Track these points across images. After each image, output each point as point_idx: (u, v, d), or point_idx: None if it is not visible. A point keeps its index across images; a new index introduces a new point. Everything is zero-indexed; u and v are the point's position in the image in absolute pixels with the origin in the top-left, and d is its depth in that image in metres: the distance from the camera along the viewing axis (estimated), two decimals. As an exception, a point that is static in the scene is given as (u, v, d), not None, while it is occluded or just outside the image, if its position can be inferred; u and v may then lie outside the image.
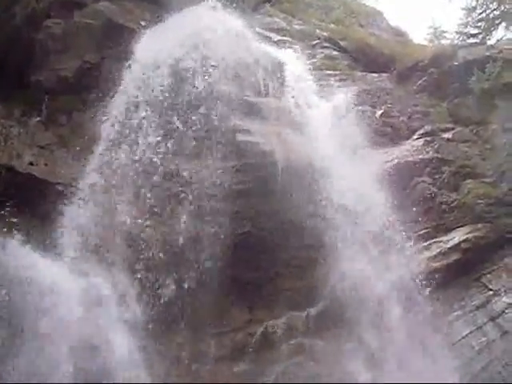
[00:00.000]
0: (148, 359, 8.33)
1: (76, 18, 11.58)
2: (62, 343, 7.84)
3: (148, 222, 9.59)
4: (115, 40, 11.32)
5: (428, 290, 10.04)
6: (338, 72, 13.69)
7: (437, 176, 11.47)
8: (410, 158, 11.65)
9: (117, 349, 8.08)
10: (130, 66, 10.73)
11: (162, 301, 9.14)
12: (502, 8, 15.54)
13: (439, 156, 11.77)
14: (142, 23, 11.67)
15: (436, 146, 11.90)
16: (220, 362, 9.37)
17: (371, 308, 9.51)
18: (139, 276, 9.12)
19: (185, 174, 10.04)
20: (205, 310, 9.38)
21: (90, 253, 9.14)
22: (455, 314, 10.06)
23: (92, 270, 8.76)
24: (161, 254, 9.37)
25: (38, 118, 10.68)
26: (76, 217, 9.38)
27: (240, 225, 9.99)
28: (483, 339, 9.68)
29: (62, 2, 11.67)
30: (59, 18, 11.52)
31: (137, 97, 10.46)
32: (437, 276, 10.16)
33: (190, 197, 9.87)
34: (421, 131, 12.32)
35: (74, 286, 8.41)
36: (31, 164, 10.00)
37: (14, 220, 9.15)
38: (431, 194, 11.26)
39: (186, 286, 9.32)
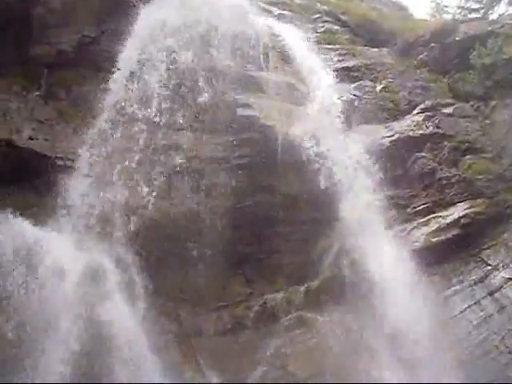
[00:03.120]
0: (148, 332, 8.38)
1: (74, -9, 11.49)
2: (65, 317, 7.88)
3: (148, 196, 9.61)
4: (114, 14, 11.23)
5: (427, 264, 10.06)
6: (338, 46, 13.59)
7: (437, 151, 11.45)
8: (411, 133, 11.62)
9: (118, 321, 8.13)
10: (129, 40, 10.67)
11: (161, 275, 9.19)
12: (505, -18, 15.44)
13: (439, 131, 11.74)
14: (142, -3, 11.57)
15: (436, 121, 11.86)
16: (219, 335, 9.44)
17: (370, 283, 9.54)
18: (140, 250, 9.14)
19: (185, 147, 10.05)
20: (205, 283, 9.44)
21: (91, 227, 9.15)
22: (453, 288, 10.10)
23: (93, 245, 8.78)
24: (160, 228, 9.39)
25: (37, 93, 10.63)
26: (76, 191, 9.39)
27: (240, 199, 10.02)
28: (481, 314, 9.72)
29: (60, -23, 11.58)
30: (57, -8, 11.43)
31: (137, 71, 10.43)
32: (436, 251, 10.17)
33: (190, 171, 9.88)
34: (421, 106, 12.27)
35: (76, 261, 8.43)
36: (31, 138, 9.96)
37: (14, 194, 9.17)
38: (431, 169, 11.25)
39: (186, 259, 9.37)
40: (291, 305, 9.62)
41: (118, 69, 10.37)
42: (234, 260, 9.75)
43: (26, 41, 10.85)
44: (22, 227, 8.42)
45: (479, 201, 10.87)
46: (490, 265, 10.23)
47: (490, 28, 13.60)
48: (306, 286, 9.82)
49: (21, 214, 8.54)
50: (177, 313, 9.35)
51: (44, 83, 10.71)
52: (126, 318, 8.31)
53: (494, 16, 16.15)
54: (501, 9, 16.78)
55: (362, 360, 8.96)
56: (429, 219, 10.69)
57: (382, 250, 9.84)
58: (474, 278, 10.17)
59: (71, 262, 8.39)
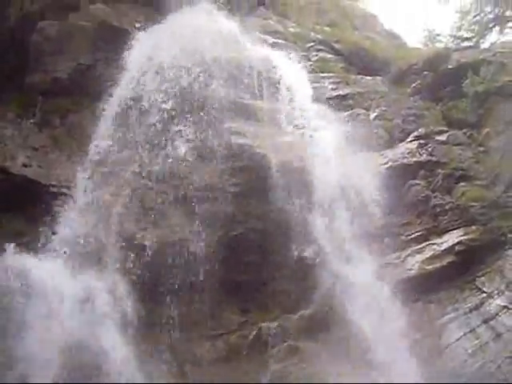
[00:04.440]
0: (142, 361, 8.31)
1: (70, 19, 11.61)
2: (56, 345, 7.82)
3: (142, 224, 9.59)
4: (109, 42, 11.35)
5: (422, 292, 10.04)
6: (332, 74, 13.68)
7: (431, 179, 11.48)
8: (404, 161, 11.66)
9: (110, 351, 8.07)
10: (124, 68, 10.74)
11: (156, 303, 9.14)
12: (496, 11, 15.63)
13: (433, 159, 11.78)
14: (137, 25, 11.68)
15: (430, 149, 11.91)
16: (214, 364, 9.35)
17: (364, 310, 9.50)
18: (134, 278, 9.10)
19: (179, 175, 10.06)
20: (199, 312, 9.38)
21: (85, 255, 9.11)
22: (449, 316, 10.04)
23: (87, 273, 8.73)
24: (154, 256, 9.36)
25: (32, 120, 10.67)
26: (70, 218, 9.37)
27: (233, 227, 10.00)
28: (476, 342, 9.66)
29: (56, 4, 11.68)
30: (53, 20, 11.52)
31: (131, 99, 10.48)
32: (430, 278, 10.15)
33: (185, 199, 9.89)
34: (415, 134, 12.33)
35: (70, 289, 8.38)
36: (25, 166, 10.00)
37: (7, 222, 9.15)
38: (425, 196, 11.26)
39: (180, 288, 9.32)
40: (285, 333, 9.54)
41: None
42: (227, 288, 9.68)
43: (22, 68, 10.93)
44: (16, 256, 8.38)
45: (473, 228, 10.86)
46: (485, 292, 10.19)
47: (482, 56, 13.74)
48: (299, 314, 9.75)
49: (14, 243, 8.52)
50: (170, 341, 9.26)
51: (39, 111, 10.78)
52: (118, 346, 8.24)
53: (485, 44, 16.33)
54: (492, 37, 16.98)
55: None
56: (423, 246, 10.67)
57: (375, 278, 9.82)
58: (469, 305, 10.12)
59: (64, 291, 8.34)
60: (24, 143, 10.32)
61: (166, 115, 10.43)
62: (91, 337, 8.08)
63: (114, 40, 11.26)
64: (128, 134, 10.25)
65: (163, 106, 10.49)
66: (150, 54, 10.99)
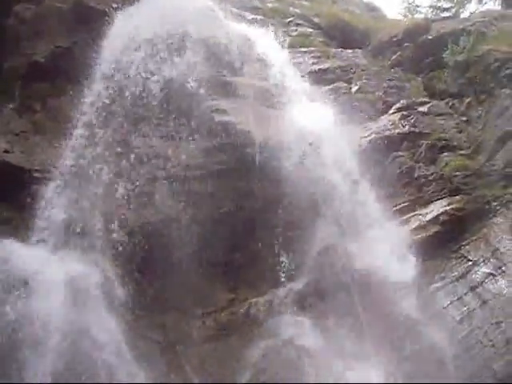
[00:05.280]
0: (133, 341, 8.34)
1: (46, 2, 11.43)
2: (48, 330, 7.82)
3: (128, 205, 9.57)
4: (87, 23, 11.19)
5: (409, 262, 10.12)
6: (312, 49, 13.66)
7: (414, 150, 11.53)
8: (387, 133, 11.68)
9: (101, 333, 8.09)
10: (103, 50, 10.63)
11: (143, 284, 9.16)
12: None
13: (416, 130, 11.82)
14: (114, 5, 11.53)
15: (412, 120, 11.95)
16: (205, 342, 9.40)
17: (353, 284, 9.56)
18: (121, 260, 9.10)
19: (162, 155, 10.03)
20: (187, 291, 9.39)
21: (71, 239, 9.09)
22: (436, 285, 10.14)
23: (75, 256, 8.72)
24: (141, 237, 9.36)
25: (12, 105, 10.56)
26: (55, 203, 9.32)
27: (219, 205, 10.00)
28: (464, 309, 9.77)
29: (31, -13, 11.51)
30: (29, 3, 11.36)
31: (111, 80, 10.39)
32: (417, 249, 10.23)
33: (169, 178, 9.87)
34: (397, 106, 12.35)
35: (58, 273, 8.36)
36: (6, 152, 9.89)
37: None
38: (409, 167, 11.32)
39: (168, 267, 9.33)
40: (275, 308, 9.61)
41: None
42: (216, 267, 9.73)
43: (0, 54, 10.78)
44: (2, 242, 8.34)
45: (458, 197, 10.95)
46: (470, 260, 10.28)
47: (461, 26, 13.77)
48: (288, 289, 9.81)
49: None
50: (161, 322, 9.30)
51: (18, 95, 10.65)
52: (109, 328, 8.27)
53: (465, 14, 16.37)
54: (472, 7, 17.02)
55: (348, 361, 8.95)
56: (408, 217, 10.76)
57: (364, 249, 9.87)
58: (455, 274, 10.21)
59: (53, 275, 8.33)
60: (5, 129, 10.21)
61: (146, 94, 10.35)
62: (81, 320, 8.08)
63: (91, 21, 11.11)
64: (109, 116, 10.16)
65: (142, 86, 10.41)
66: (128, 33, 10.86)
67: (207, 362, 9.19)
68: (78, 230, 9.17)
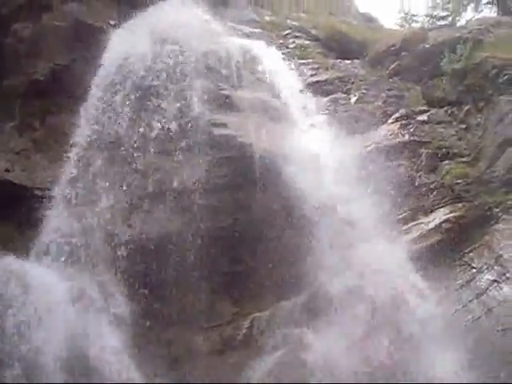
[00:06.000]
0: (137, 357, 8.31)
1: (44, 20, 11.49)
2: (52, 348, 7.80)
3: (130, 221, 9.57)
4: (85, 41, 11.25)
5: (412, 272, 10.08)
6: (310, 61, 13.68)
7: (414, 159, 11.54)
8: (387, 142, 11.71)
9: (105, 349, 8.07)
10: (101, 67, 10.67)
11: (147, 299, 9.13)
12: (470, -12, 15.70)
13: (416, 138, 11.83)
14: (111, 22, 11.61)
15: (412, 129, 11.97)
16: (209, 356, 9.38)
17: (357, 296, 9.53)
18: (124, 275, 9.09)
19: (164, 170, 10.04)
20: (191, 305, 9.39)
21: (74, 256, 9.09)
22: (440, 293, 10.10)
23: (78, 274, 8.71)
24: (143, 252, 9.36)
25: (12, 124, 10.59)
26: (57, 220, 9.32)
27: (220, 219, 10.01)
28: (469, 317, 9.74)
29: (29, 6, 11.57)
30: (27, 22, 11.42)
31: (110, 96, 10.42)
32: (419, 258, 10.19)
33: (169, 193, 9.87)
34: (396, 115, 12.36)
35: (61, 291, 8.35)
36: (7, 170, 9.92)
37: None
38: (410, 176, 11.32)
39: (171, 282, 9.32)
40: (279, 322, 9.58)
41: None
42: (219, 280, 9.70)
43: (-1, 72, 10.84)
44: (4, 261, 8.34)
45: (459, 205, 10.95)
46: (474, 268, 10.27)
47: (458, 34, 13.78)
48: (292, 302, 9.78)
49: (2, 248, 8.47)
50: (165, 336, 9.27)
51: (18, 114, 10.68)
52: (113, 345, 8.24)
53: (461, 22, 16.43)
54: (468, 15, 17.09)
55: (354, 372, 8.90)
56: (410, 227, 10.74)
57: (364, 261, 9.84)
58: (459, 281, 10.19)
59: (56, 293, 8.32)
60: (5, 148, 10.25)
61: (144, 110, 10.38)
62: (84, 336, 8.06)
63: (89, 38, 11.16)
64: (107, 134, 10.18)
65: (141, 101, 10.45)
66: (125, 50, 10.91)
67: (212, 377, 9.15)
68: (80, 246, 9.16)
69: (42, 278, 8.46)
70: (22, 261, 8.51)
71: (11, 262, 8.35)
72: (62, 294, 8.35)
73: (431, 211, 10.94)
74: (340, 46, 14.76)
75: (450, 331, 9.35)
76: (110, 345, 8.21)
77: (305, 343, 9.18)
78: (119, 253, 9.29)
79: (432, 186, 11.20)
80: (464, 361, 9.07)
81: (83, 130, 10.23)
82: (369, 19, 18.66)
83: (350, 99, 12.73)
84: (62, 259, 9.07)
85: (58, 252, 9.14)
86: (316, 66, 13.56)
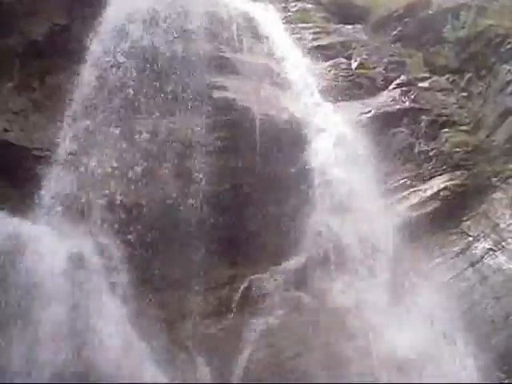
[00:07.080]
0: (134, 319, 8.39)
1: (43, -21, 11.34)
2: (49, 307, 7.87)
3: (128, 183, 9.57)
4: (84, 0, 11.12)
5: (409, 239, 10.13)
6: (312, 25, 13.57)
7: (414, 126, 11.50)
8: (388, 109, 11.65)
9: (102, 310, 8.14)
10: (101, 26, 10.58)
11: (145, 261, 9.19)
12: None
13: (416, 105, 11.78)
14: (112, -19, 11.44)
15: (413, 96, 11.90)
16: (206, 318, 9.46)
17: (353, 257, 9.59)
18: (122, 237, 9.12)
19: (162, 132, 10.01)
20: (188, 268, 9.44)
21: (72, 217, 9.10)
22: (436, 260, 10.17)
23: (76, 235, 8.73)
24: (142, 215, 9.38)
25: (11, 84, 10.52)
26: (56, 181, 9.33)
27: (219, 182, 10.00)
28: (464, 284, 9.81)
29: (27, -35, 11.41)
30: (25, -20, 11.28)
31: (110, 57, 10.34)
32: (417, 225, 10.23)
33: (169, 156, 9.86)
34: (397, 81, 12.29)
35: (59, 251, 8.38)
36: (6, 130, 9.88)
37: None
38: (409, 143, 11.30)
39: (168, 245, 9.36)
40: (276, 285, 9.64)
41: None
42: (216, 243, 9.73)
43: (-3, 32, 10.72)
44: (3, 220, 8.36)
45: (458, 173, 10.96)
46: (470, 236, 10.33)
47: (462, 1, 13.60)
48: (289, 265, 9.84)
49: (0, 208, 8.49)
50: (162, 298, 9.34)
51: (17, 74, 10.60)
52: (110, 306, 8.31)
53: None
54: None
55: (350, 336, 8.99)
56: (409, 193, 10.76)
57: (364, 225, 9.88)
58: (455, 249, 10.26)
59: (54, 253, 8.36)
60: (4, 108, 10.19)
61: (145, 72, 10.32)
62: (82, 297, 8.12)
63: (87, -2, 11.07)
64: (108, 94, 10.13)
65: (142, 62, 10.37)
66: (127, 10, 10.80)
67: (208, 338, 9.25)
68: (78, 208, 9.18)
69: (41, 236, 8.48)
70: (19, 220, 8.52)
71: (9, 221, 8.37)
72: (60, 253, 8.36)
73: (430, 179, 10.95)
74: (342, 11, 14.61)
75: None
76: (107, 305, 8.27)
77: (302, 305, 9.28)
78: (117, 215, 9.30)
79: (431, 154, 11.20)
80: (457, 324, 9.20)
81: (81, 90, 10.15)
82: (372, -16, 18.38)
83: (351, 64, 12.65)
84: (61, 219, 9.06)
85: (57, 212, 9.14)
86: (318, 30, 13.45)
